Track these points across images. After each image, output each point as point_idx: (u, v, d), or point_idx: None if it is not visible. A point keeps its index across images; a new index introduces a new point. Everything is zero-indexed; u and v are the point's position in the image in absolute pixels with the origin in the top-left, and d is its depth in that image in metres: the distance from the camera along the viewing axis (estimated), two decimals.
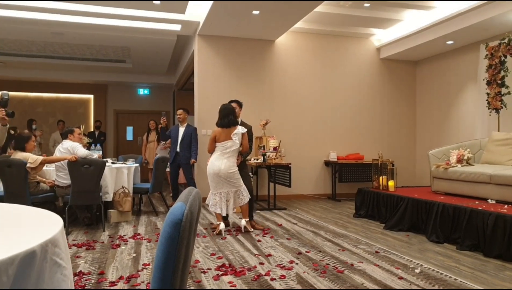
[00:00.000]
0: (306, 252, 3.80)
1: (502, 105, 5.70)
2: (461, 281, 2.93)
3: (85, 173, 4.55)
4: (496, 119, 5.83)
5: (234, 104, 4.89)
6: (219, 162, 4.51)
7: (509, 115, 5.72)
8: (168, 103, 12.04)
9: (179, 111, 6.40)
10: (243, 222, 4.61)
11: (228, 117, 4.58)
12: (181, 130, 6.32)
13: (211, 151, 4.65)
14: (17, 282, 1.00)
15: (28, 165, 4.48)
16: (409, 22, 7.00)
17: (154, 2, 5.76)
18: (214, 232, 4.56)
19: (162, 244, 0.85)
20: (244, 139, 4.65)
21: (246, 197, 4.62)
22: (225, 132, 4.56)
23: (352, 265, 3.37)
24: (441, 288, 2.81)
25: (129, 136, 11.93)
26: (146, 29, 6.96)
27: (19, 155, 4.60)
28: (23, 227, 1.41)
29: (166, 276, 0.85)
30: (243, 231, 4.61)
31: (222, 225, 4.54)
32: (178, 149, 6.27)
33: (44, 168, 5.02)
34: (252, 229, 4.71)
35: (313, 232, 4.69)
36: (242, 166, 4.82)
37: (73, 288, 1.39)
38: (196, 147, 6.32)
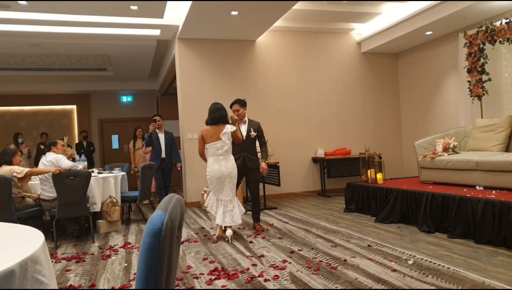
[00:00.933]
0: (298, 250, 3.78)
1: (484, 92, 5.78)
2: (454, 270, 2.95)
3: (71, 185, 4.47)
4: (479, 106, 5.91)
5: (236, 106, 4.74)
6: (218, 164, 4.33)
7: (491, 101, 5.80)
8: (152, 109, 11.92)
9: (158, 118, 6.57)
10: (229, 232, 4.29)
11: (219, 112, 4.38)
12: (161, 136, 6.52)
13: (202, 152, 4.47)
14: None
15: (14, 174, 4.43)
16: (388, 15, 7.05)
17: (132, 7, 5.68)
18: (216, 239, 4.38)
19: (143, 255, 0.82)
20: (234, 133, 4.46)
21: (238, 215, 4.40)
22: (215, 130, 4.33)
23: (345, 260, 3.36)
24: (434, 278, 2.81)
25: (115, 144, 11.80)
26: (126, 35, 6.87)
27: (4, 169, 4.52)
28: (1, 246, 1.36)
29: (149, 287, 0.81)
30: (229, 241, 4.29)
31: (226, 231, 4.31)
32: (163, 155, 6.42)
33: (29, 182, 4.92)
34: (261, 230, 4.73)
35: (305, 229, 4.68)
36: (256, 166, 4.74)
37: None
38: (177, 151, 6.64)
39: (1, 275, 0.98)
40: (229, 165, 4.37)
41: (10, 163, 4.67)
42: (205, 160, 4.49)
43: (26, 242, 1.34)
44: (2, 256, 1.17)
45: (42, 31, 6.37)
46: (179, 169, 6.83)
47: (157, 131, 6.52)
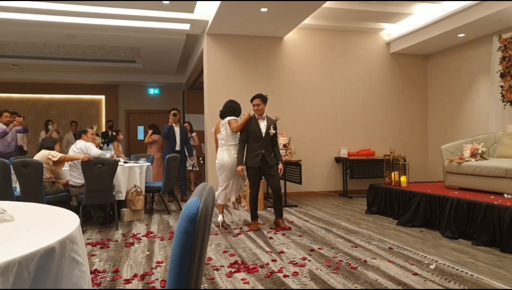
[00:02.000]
0: (318, 249, 3.79)
1: None
2: (477, 277, 2.90)
3: (98, 172, 4.60)
4: (511, 112, 5.74)
5: (257, 100, 4.73)
6: (222, 154, 4.81)
7: None
8: (178, 102, 12.10)
9: (176, 112, 6.87)
10: (220, 218, 4.87)
11: (224, 108, 4.90)
12: (177, 130, 6.81)
13: (216, 143, 5.08)
14: (38, 277, 1.02)
15: (49, 156, 4.67)
16: (419, 16, 6.92)
17: (163, 2, 5.78)
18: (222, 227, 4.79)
19: (178, 238, 0.85)
20: (230, 124, 4.74)
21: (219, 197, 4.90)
22: (220, 124, 4.91)
23: (365, 261, 3.35)
24: (457, 284, 2.78)
25: (140, 135, 12.03)
26: (156, 29, 7.00)
27: (43, 152, 4.75)
28: (42, 225, 1.43)
29: (182, 270, 0.85)
30: (220, 226, 4.83)
31: (220, 218, 4.85)
32: (178, 148, 6.75)
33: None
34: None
35: (325, 229, 4.68)
36: (273, 164, 4.78)
37: (90, 284, 1.41)
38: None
39: (43, 251, 1.04)
40: (231, 157, 4.77)
41: (51, 149, 4.88)
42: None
43: (64, 223, 1.41)
44: (43, 234, 1.24)
45: (77, 22, 6.56)
46: (191, 162, 7.27)
47: (173, 125, 6.77)
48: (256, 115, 4.75)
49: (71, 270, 1.20)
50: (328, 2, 5.99)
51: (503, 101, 5.78)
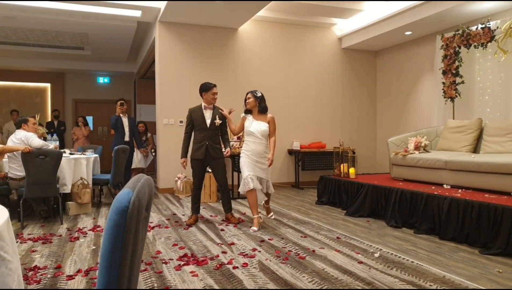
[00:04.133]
0: (269, 239, 3.83)
1: (457, 94, 5.95)
2: (417, 263, 3.05)
3: (41, 164, 4.36)
4: (451, 107, 6.08)
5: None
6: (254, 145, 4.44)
7: (463, 103, 5.97)
8: (129, 92, 11.73)
9: (123, 101, 6.66)
10: (254, 227, 4.27)
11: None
12: (125, 120, 6.61)
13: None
14: None
15: None
16: (369, 13, 7.12)
17: None
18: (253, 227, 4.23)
19: (108, 232, 0.81)
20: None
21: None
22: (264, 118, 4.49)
23: (313, 251, 3.42)
24: (398, 271, 2.91)
25: (89, 126, 11.53)
26: (105, 14, 6.71)
27: None
28: None
29: (113, 265, 0.81)
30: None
31: (254, 227, 4.24)
32: (127, 139, 6.57)
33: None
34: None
35: (276, 220, 4.73)
36: (220, 155, 4.63)
37: (21, 282, 1.33)
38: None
39: None
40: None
41: None
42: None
43: None
44: None
45: (17, 4, 6.13)
46: (143, 154, 7.10)
47: (121, 115, 6.56)
48: (205, 104, 4.60)
49: None
50: None
51: (444, 97, 6.09)
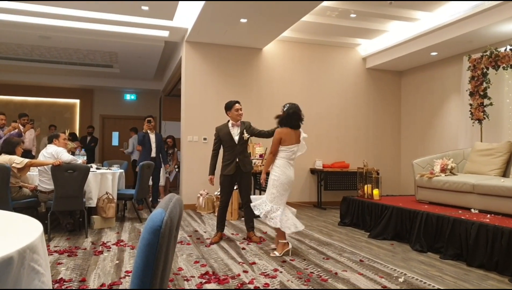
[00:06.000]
0: (290, 260, 3.79)
1: (485, 116, 5.82)
2: None
3: (69, 178, 4.49)
4: (479, 129, 5.95)
5: (240, 105, 4.63)
6: (290, 170, 4.04)
7: (491, 125, 5.84)
8: (155, 109, 11.99)
9: (150, 118, 6.93)
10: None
11: (298, 115, 4.04)
12: (152, 136, 6.83)
13: (275, 153, 4.08)
14: None
15: (14, 165, 4.45)
16: (394, 33, 7.11)
17: (143, 7, 5.75)
18: (279, 253, 3.95)
19: (141, 250, 0.84)
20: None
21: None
22: (294, 133, 4.06)
23: (336, 273, 3.37)
24: None
25: (115, 141, 11.83)
26: (134, 34, 6.95)
27: (4, 158, 4.53)
28: (1, 233, 1.38)
29: (144, 283, 0.84)
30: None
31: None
32: (153, 155, 6.76)
33: (28, 173, 4.94)
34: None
35: (298, 240, 4.69)
36: (249, 169, 4.61)
37: None
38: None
39: (0, 261, 1.00)
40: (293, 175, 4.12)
41: (12, 153, 4.68)
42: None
43: (25, 231, 1.36)
44: (2, 243, 1.19)
45: (52, 24, 6.43)
46: (167, 170, 7.26)
47: (149, 131, 6.78)
48: (232, 122, 4.65)
49: (30, 280, 1.16)
50: (306, 16, 6.08)
51: (471, 119, 5.97)
